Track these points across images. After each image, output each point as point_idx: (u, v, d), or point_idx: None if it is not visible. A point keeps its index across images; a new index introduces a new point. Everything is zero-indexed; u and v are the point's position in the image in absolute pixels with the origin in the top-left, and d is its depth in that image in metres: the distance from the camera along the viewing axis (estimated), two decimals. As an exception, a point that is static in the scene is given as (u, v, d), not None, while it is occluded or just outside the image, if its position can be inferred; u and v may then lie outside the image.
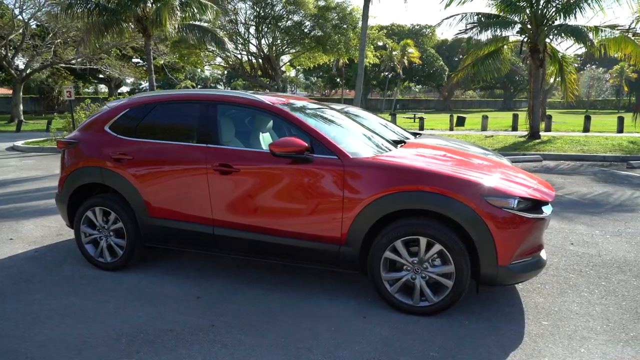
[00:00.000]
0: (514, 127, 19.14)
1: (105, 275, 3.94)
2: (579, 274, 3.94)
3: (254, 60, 28.21)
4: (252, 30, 26.46)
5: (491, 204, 2.97)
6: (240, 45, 27.06)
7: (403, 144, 4.45)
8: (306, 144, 3.24)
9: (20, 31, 26.54)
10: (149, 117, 3.90)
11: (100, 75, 42.00)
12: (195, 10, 14.13)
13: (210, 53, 27.90)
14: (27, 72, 28.65)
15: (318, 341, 2.88)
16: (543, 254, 3.32)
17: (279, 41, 26.88)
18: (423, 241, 3.08)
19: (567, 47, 77.54)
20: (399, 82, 49.64)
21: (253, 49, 27.71)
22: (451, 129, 19.85)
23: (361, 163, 3.25)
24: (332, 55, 26.44)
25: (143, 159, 3.77)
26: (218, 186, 3.53)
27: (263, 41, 26.90)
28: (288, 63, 31.68)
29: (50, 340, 2.89)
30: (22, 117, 26.98)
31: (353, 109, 6.87)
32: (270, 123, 4.02)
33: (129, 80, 43.76)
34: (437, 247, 3.05)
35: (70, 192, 4.07)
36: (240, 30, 26.21)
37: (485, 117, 19.12)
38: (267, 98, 3.68)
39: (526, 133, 14.52)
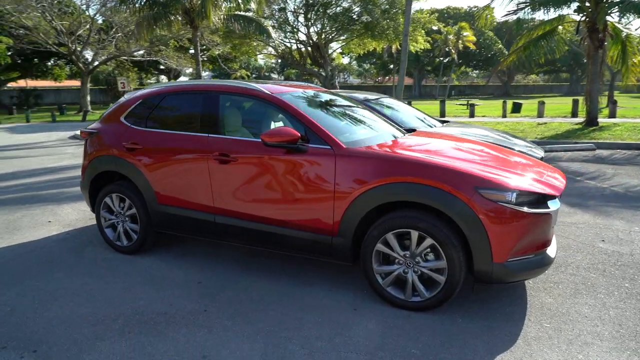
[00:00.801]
0: (574, 113, 17.86)
1: (122, 259, 4.17)
2: (602, 274, 3.64)
3: (302, 49, 28.30)
4: (301, 18, 26.50)
5: (485, 197, 2.80)
6: (289, 34, 27.25)
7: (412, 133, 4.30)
8: (298, 134, 3.21)
9: (88, 26, 28.33)
10: (158, 107, 4.04)
11: (161, 67, 44.07)
12: (240, 1, 14.35)
13: (261, 42, 28.39)
14: (94, 65, 30.52)
15: (301, 331, 2.89)
16: (551, 251, 3.10)
17: (327, 28, 26.73)
18: (414, 235, 2.98)
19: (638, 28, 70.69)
20: (455, 67, 47.79)
21: (302, 37, 27.85)
22: (504, 115, 18.87)
23: (354, 153, 3.18)
24: (380, 41, 25.92)
25: (151, 148, 3.92)
26: (218, 175, 3.60)
27: (312, 29, 26.87)
28: (338, 50, 31.49)
29: (56, 318, 3.10)
30: (89, 108, 28.91)
31: (387, 100, 6.74)
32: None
33: (188, 70, 45.33)
34: (429, 242, 2.94)
35: (90, 179, 4.33)
36: (289, 18, 26.34)
37: (541, 103, 17.96)
38: (267, 87, 3.68)
39: (583, 120, 13.51)
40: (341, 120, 3.86)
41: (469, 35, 37.81)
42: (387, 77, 58.87)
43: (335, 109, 4.04)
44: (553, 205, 2.97)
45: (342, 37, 27.66)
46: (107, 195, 4.22)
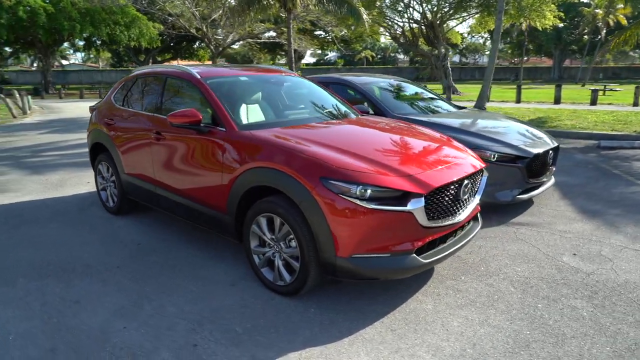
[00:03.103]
0: None
1: (106, 217, 4.89)
2: (527, 290, 3.19)
3: (415, 29, 27.25)
4: (415, -5, 25.46)
5: (328, 188, 2.71)
6: (402, 13, 26.44)
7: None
8: (199, 116, 3.43)
9: (220, 11, 31.20)
10: (132, 89, 4.59)
11: (286, 48, 46.51)
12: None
13: (375, 24, 28.11)
14: (223, 47, 33.60)
15: (169, 296, 3.18)
16: (428, 255, 2.88)
17: (442, 5, 25.25)
18: (277, 220, 3.02)
19: None
20: (604, 46, 41.08)
21: (417, 16, 26.77)
22: (635, 104, 15.97)
23: (240, 136, 3.29)
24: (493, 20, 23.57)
25: (119, 125, 4.51)
26: (155, 150, 4.02)
27: (426, 7, 25.66)
28: (457, 29, 29.56)
29: (22, 259, 3.83)
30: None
31: (404, 83, 6.45)
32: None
33: (309, 51, 47.05)
34: (286, 228, 2.95)
35: (89, 148, 5.12)
36: (404, -4, 25.52)
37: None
38: (202, 71, 3.93)
39: None
40: (260, 104, 3.92)
41: (623, 8, 32.10)
42: (525, 58, 53.38)
43: (268, 93, 4.12)
44: (413, 204, 2.72)
45: (458, 16, 25.92)
46: (100, 163, 4.97)
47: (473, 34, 42.03)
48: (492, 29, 28.99)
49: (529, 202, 5.11)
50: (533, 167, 4.66)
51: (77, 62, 67.61)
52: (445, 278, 3.40)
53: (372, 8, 25.58)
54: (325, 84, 5.79)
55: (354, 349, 2.56)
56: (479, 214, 3.58)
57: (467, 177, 3.11)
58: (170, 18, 31.02)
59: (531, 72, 50.70)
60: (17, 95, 18.08)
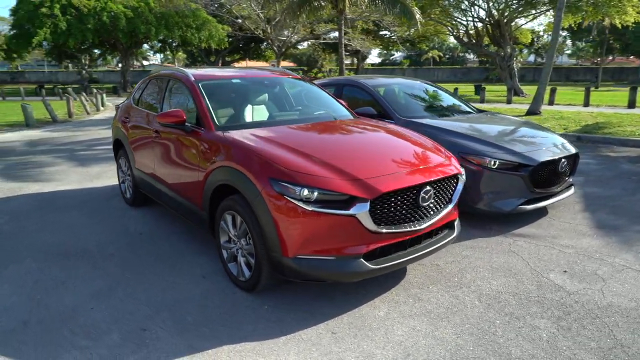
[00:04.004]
0: None
1: (124, 208, 5.29)
2: (488, 306, 3.03)
3: (480, 28, 26.11)
4: (481, -7, 24.42)
5: (275, 189, 2.77)
6: (467, 11, 25.47)
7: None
8: (184, 117, 3.64)
9: (277, 13, 32.00)
10: (144, 89, 4.93)
11: (349, 48, 46.55)
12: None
13: (439, 23, 27.36)
14: (285, 47, 34.39)
15: (144, 284, 3.41)
16: (380, 260, 2.86)
17: (511, 3, 23.97)
18: (237, 218, 3.13)
19: None
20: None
21: (482, 14, 25.67)
22: None
23: (213, 136, 3.44)
24: (577, 16, 21.95)
25: (131, 123, 4.86)
26: (155, 148, 4.30)
27: (492, 4, 24.49)
28: (528, 27, 27.87)
29: (38, 241, 4.29)
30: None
31: (424, 86, 6.31)
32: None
33: (376, 51, 46.73)
34: (244, 226, 3.06)
35: (112, 143, 5.55)
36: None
37: None
38: (197, 73, 4.15)
39: None
40: (248, 105, 4.04)
41: None
42: (609, 57, 49.10)
43: (259, 95, 4.23)
44: (357, 209, 2.71)
45: (528, 13, 24.44)
46: (120, 158, 5.38)
47: (549, 32, 39.39)
48: (566, 27, 27.15)
49: (540, 213, 4.79)
50: (539, 176, 4.38)
51: (156, 62, 72.37)
52: (412, 286, 3.32)
53: (434, 7, 24.98)
54: (339, 86, 5.84)
55: (286, 348, 2.60)
56: (456, 222, 3.45)
57: (429, 183, 3.02)
58: (238, 20, 32.31)
59: (616, 73, 46.59)
60: (95, 92, 19.83)
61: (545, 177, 4.44)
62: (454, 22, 27.02)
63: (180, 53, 55.93)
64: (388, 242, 2.90)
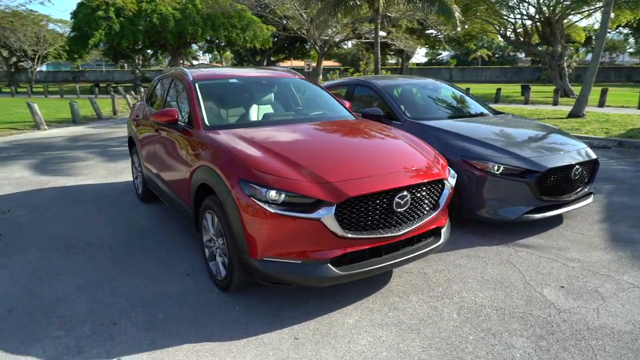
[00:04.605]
0: None
1: (135, 203, 5.47)
2: (467, 320, 2.87)
3: (529, 25, 24.93)
4: (530, -10, 23.32)
5: (244, 189, 2.76)
6: (515, 9, 24.41)
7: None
8: (175, 116, 3.71)
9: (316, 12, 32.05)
10: (153, 89, 5.08)
11: (393, 48, 45.87)
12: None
13: (485, 22, 26.41)
14: (327, 47, 34.42)
15: (130, 278, 3.49)
16: (347, 267, 2.78)
17: (562, 0, 22.71)
18: (215, 217, 3.14)
19: None
20: None
21: (531, 12, 24.45)
22: None
23: (200, 135, 3.47)
24: (632, 12, 20.51)
25: (140, 121, 5.00)
26: (156, 145, 4.41)
27: (543, 1, 23.32)
28: (580, 25, 26.31)
29: (47, 232, 4.52)
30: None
31: (440, 86, 6.11)
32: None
33: (422, 50, 45.80)
34: (220, 225, 3.07)
35: (127, 141, 5.75)
36: (517, -9, 23.55)
37: None
38: (197, 73, 4.20)
39: None
40: (243, 105, 4.05)
41: None
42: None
43: (255, 95, 4.22)
44: (322, 213, 2.63)
45: (581, 10, 23.03)
46: (133, 155, 5.57)
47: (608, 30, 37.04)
48: (624, 24, 25.39)
49: (553, 222, 4.49)
50: (548, 183, 4.10)
51: (205, 62, 74.64)
52: (392, 294, 3.20)
53: (479, 4, 24.10)
54: (351, 86, 5.77)
55: (244, 350, 2.58)
56: (443, 229, 3.29)
57: (406, 188, 2.89)
58: (284, 20, 32.67)
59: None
60: (142, 91, 20.73)
61: (555, 184, 4.15)
62: (502, 20, 25.96)
63: (227, 53, 57.47)
64: (360, 248, 2.81)
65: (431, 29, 41.33)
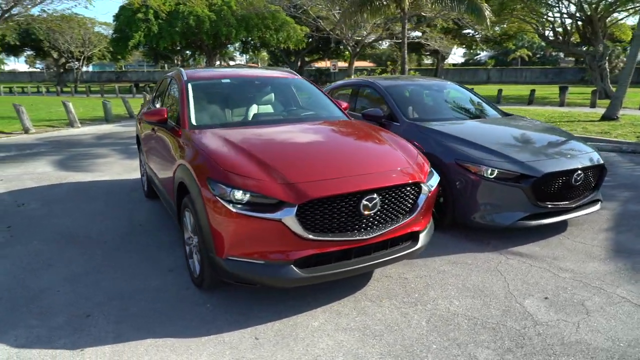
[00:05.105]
0: None
1: (140, 200, 5.63)
2: (435, 328, 2.78)
3: (569, 24, 23.91)
4: (571, -13, 22.34)
5: (211, 189, 2.78)
6: (553, 7, 23.45)
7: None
8: (165, 115, 3.79)
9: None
10: (157, 89, 5.21)
11: (432, 48, 45.13)
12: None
13: (520, 20, 25.54)
14: (359, 47, 34.28)
15: (116, 272, 3.60)
16: (319, 270, 2.76)
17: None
18: (191, 215, 3.18)
19: None
20: None
21: (572, 10, 23.40)
22: None
23: (183, 134, 3.53)
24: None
25: (142, 119, 5.15)
26: (152, 143, 4.53)
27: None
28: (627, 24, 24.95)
29: (52, 226, 4.73)
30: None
31: (449, 87, 5.96)
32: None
33: (460, 50, 44.79)
34: (194, 223, 3.11)
35: (136, 139, 5.93)
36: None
37: None
38: (191, 73, 4.28)
39: None
40: (233, 105, 4.08)
41: None
42: None
43: (247, 95, 4.25)
44: (283, 214, 2.62)
45: (626, 7, 21.84)
46: (140, 153, 5.74)
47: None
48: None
49: (555, 229, 4.29)
50: (546, 189, 3.91)
51: (242, 62, 75.93)
52: (366, 298, 3.15)
53: (516, 3, 23.31)
54: (356, 87, 5.73)
55: (202, 348, 2.60)
56: (422, 234, 3.20)
57: (376, 191, 2.83)
58: (319, 22, 32.79)
59: None
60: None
61: (554, 190, 3.95)
62: (540, 19, 25.01)
63: (264, 54, 58.25)
64: (326, 250, 2.78)
65: (467, 28, 40.42)
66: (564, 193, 4.01)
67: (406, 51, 15.90)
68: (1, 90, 36.61)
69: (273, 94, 4.42)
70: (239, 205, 2.67)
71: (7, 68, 69.76)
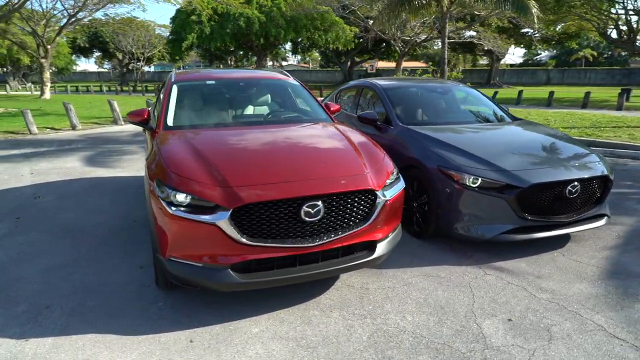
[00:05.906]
0: None
1: (144, 198, 5.82)
2: (374, 344, 2.64)
3: (636, 21, 22.10)
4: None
5: (157, 190, 2.81)
6: (615, 2, 21.76)
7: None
8: (145, 116, 3.90)
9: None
10: (160, 89, 5.35)
11: (486, 48, 43.40)
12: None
13: (579, 17, 23.93)
14: (407, 47, 33.63)
15: (91, 265, 3.74)
16: (258, 276, 2.72)
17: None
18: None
19: None
20: None
21: (638, 5, 21.63)
22: None
23: (157, 136, 3.59)
24: None
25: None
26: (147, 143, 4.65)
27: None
28: None
29: (56, 219, 5.01)
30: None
31: (457, 90, 5.68)
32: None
33: (519, 50, 42.71)
34: (150, 223, 3.16)
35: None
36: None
37: None
38: (181, 75, 4.37)
39: None
40: (215, 106, 4.10)
41: None
42: None
43: (228, 96, 4.26)
44: (218, 217, 2.59)
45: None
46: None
47: None
48: None
49: (553, 244, 3.95)
50: (534, 201, 3.61)
51: (294, 63, 76.95)
52: (317, 306, 3.05)
53: (574, -1, 21.87)
54: (359, 88, 5.62)
55: (134, 347, 2.63)
56: (380, 243, 3.05)
57: (319, 197, 2.73)
58: (367, 22, 32.56)
59: None
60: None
61: (545, 202, 3.64)
62: (604, 17, 23.30)
63: (315, 54, 58.70)
64: (265, 256, 2.72)
65: (525, 27, 38.45)
66: (557, 206, 3.68)
67: (446, 52, 15.35)
68: (69, 88, 39.44)
69: (256, 96, 4.41)
70: (180, 208, 2.68)
71: (78, 69, 74.98)
